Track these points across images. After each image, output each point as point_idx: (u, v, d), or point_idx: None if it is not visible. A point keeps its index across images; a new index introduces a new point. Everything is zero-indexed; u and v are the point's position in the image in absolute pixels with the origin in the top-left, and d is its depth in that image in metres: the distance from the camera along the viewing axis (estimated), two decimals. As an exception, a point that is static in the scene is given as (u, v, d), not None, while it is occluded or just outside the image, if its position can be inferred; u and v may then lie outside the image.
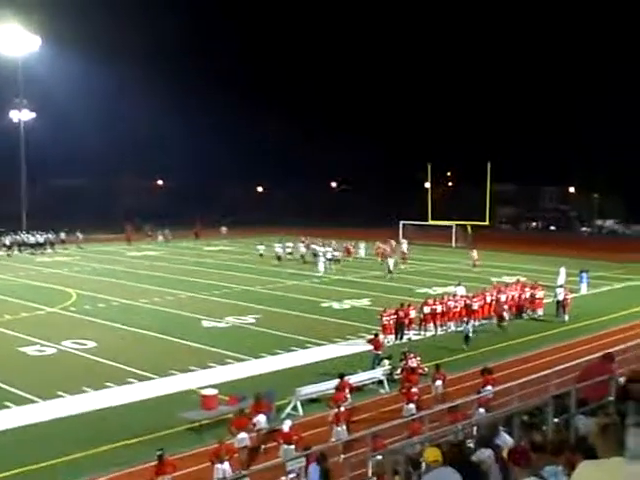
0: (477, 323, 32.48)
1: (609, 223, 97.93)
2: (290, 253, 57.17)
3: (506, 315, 32.77)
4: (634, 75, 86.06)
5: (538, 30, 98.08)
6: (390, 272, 47.47)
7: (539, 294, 35.52)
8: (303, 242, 58.44)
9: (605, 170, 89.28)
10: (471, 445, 10.49)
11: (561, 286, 36.35)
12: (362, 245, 59.41)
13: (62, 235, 65.51)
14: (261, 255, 57.63)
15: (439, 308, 31.62)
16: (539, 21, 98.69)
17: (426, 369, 23.69)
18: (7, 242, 61.24)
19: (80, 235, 65.76)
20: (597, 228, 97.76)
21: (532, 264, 53.24)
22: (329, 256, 52.64)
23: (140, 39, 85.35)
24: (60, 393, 22.01)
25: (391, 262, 48.69)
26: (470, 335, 29.46)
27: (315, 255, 52.12)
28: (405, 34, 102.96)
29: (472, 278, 44.66)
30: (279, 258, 55.03)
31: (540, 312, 35.16)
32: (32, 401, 21.38)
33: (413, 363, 23.16)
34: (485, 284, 39.05)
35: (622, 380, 13.43)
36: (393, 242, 59.70)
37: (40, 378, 23.73)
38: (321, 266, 47.65)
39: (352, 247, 58.26)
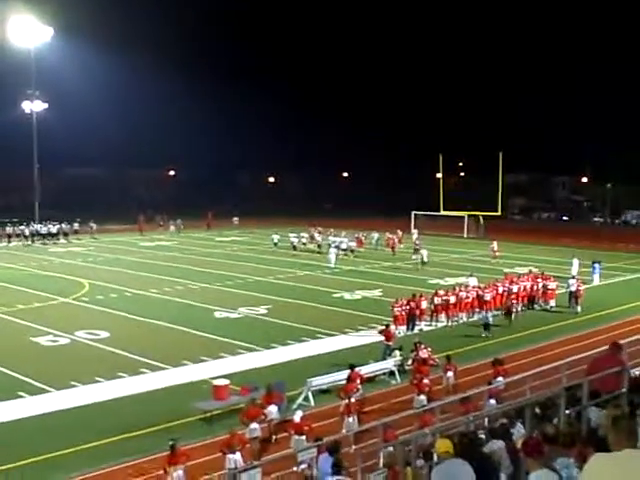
0: (489, 314, 32.35)
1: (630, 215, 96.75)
2: (304, 244, 57.13)
3: (516, 308, 32.55)
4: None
5: (546, 20, 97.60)
6: (424, 263, 47.63)
7: (551, 285, 35.37)
8: (319, 232, 58.67)
9: (618, 159, 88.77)
10: (483, 436, 10.49)
11: (573, 277, 36.21)
12: (375, 235, 59.19)
13: (76, 225, 65.73)
14: (275, 244, 57.79)
15: (452, 299, 31.55)
16: (546, 12, 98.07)
17: (437, 360, 23.66)
18: (27, 232, 61.68)
19: (94, 225, 66.07)
20: (610, 218, 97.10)
21: (544, 255, 53.03)
22: (344, 246, 53.15)
23: (151, 29, 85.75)
24: (73, 383, 22.15)
25: (425, 254, 48.70)
26: (490, 322, 29.70)
27: (329, 245, 52.24)
28: (415, 25, 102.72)
29: (484, 269, 44.56)
30: (295, 248, 55.22)
31: (552, 303, 35.05)
32: (46, 391, 21.53)
33: (424, 354, 23.16)
34: (497, 275, 38.95)
35: (636, 371, 13.39)
36: (400, 232, 59.48)
37: (53, 368, 23.89)
38: (332, 257, 47.45)
39: (364, 238, 58.18)
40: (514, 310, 32.37)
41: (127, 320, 31.20)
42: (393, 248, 54.38)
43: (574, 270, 40.57)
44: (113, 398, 21.06)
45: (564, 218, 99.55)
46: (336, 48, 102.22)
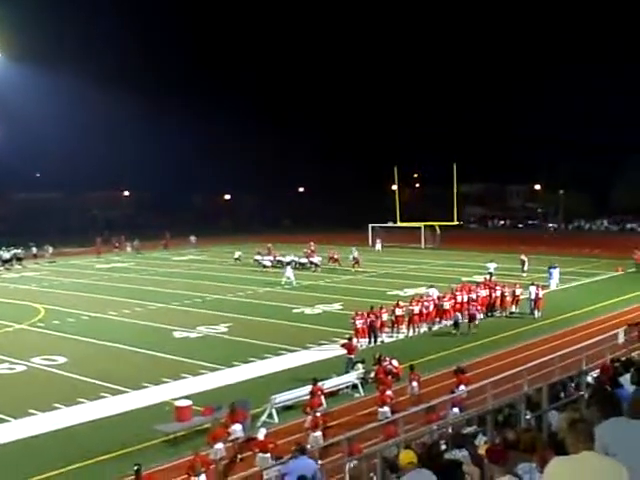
0: (449, 323, 32.68)
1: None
2: (271, 261, 56.68)
3: (460, 317, 32.61)
4: (592, 73, 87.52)
5: (497, 31, 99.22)
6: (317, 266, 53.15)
7: (517, 291, 35.83)
8: (269, 251, 58.78)
9: (569, 167, 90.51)
10: (445, 445, 10.53)
11: (533, 283, 36.59)
12: (354, 249, 56.92)
13: (33, 250, 64.53)
14: (237, 259, 57.71)
15: (416, 309, 31.76)
16: (497, 24, 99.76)
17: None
18: (7, 256, 60.48)
19: (50, 248, 65.10)
20: (564, 224, 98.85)
21: (501, 262, 53.43)
22: (315, 260, 54.18)
23: (103, 52, 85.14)
24: (31, 411, 21.67)
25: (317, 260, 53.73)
26: (460, 322, 31.30)
27: (287, 264, 52.03)
28: (368, 36, 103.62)
29: (443, 279, 44.85)
30: (264, 266, 55.07)
31: (514, 309, 35.56)
32: (3, 420, 21.02)
33: (393, 364, 23.51)
34: (456, 284, 39.25)
35: (593, 374, 13.59)
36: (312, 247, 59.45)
37: (10, 396, 23.37)
38: (291, 275, 46.93)
39: (337, 254, 57.05)
40: (477, 317, 32.73)
41: (85, 344, 30.68)
42: (336, 261, 54.79)
43: (556, 278, 42.41)
44: (73, 425, 20.63)
45: (519, 225, 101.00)
46: (288, 62, 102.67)
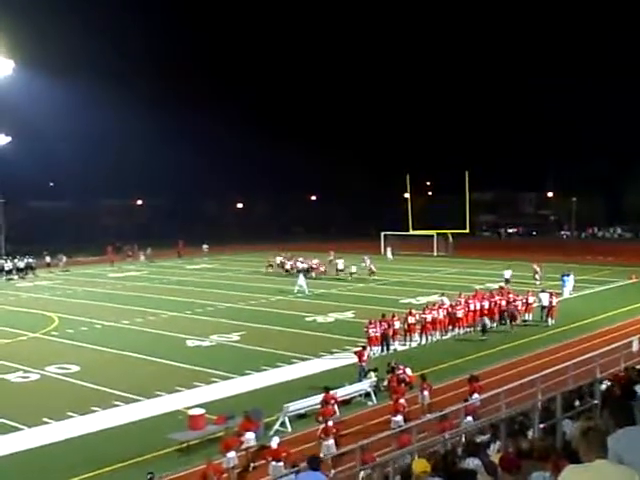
0: (462, 331, 32.71)
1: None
2: (292, 265, 56.87)
3: (487, 322, 33.09)
4: (602, 80, 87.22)
5: (512, 39, 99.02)
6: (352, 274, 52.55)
7: (529, 299, 35.70)
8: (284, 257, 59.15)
9: (581, 174, 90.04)
10: (459, 454, 10.50)
11: (543, 291, 36.49)
12: (366, 258, 56.46)
13: (47, 259, 64.78)
14: (280, 265, 58.23)
15: (429, 317, 31.71)
16: (509, 33, 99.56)
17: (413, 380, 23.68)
18: (21, 265, 60.83)
19: (64, 258, 65.30)
20: (577, 232, 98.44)
21: (515, 270, 53.18)
22: (340, 267, 54.40)
23: (114, 60, 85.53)
24: (45, 419, 21.75)
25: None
26: (488, 325, 32.54)
27: (299, 271, 52.03)
28: (380, 46, 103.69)
29: (457, 287, 44.70)
30: (286, 270, 56.29)
31: (526, 317, 35.37)
32: (16, 428, 21.11)
33: (407, 373, 23.40)
34: (469, 292, 39.12)
35: (607, 383, 13.51)
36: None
37: (24, 405, 23.46)
38: (304, 283, 46.89)
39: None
40: (517, 317, 33.90)
41: (98, 353, 30.78)
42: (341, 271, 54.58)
43: (570, 286, 42.56)
44: (87, 433, 20.70)
45: (532, 233, 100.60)
46: (300, 71, 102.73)
